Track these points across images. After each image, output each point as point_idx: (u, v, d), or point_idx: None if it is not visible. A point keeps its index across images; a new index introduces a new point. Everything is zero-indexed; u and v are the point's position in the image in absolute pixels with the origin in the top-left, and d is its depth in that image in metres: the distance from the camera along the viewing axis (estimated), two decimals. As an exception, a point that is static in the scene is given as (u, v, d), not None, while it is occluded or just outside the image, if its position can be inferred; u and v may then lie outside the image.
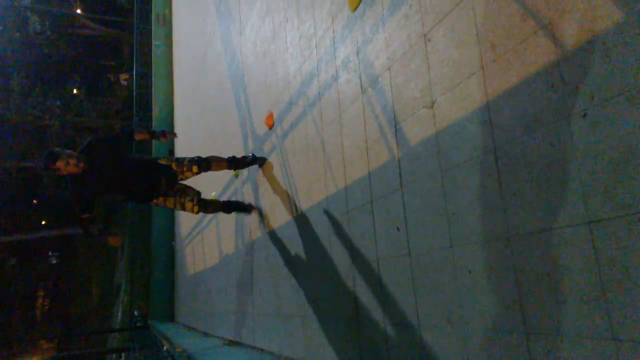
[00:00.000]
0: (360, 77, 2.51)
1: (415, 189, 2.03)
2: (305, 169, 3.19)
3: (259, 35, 4.23)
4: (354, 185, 2.54)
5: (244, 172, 4.66)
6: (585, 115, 1.31)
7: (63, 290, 29.60)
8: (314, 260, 3.01)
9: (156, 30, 12.80)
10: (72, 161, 3.10)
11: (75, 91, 23.68)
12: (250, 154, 4.16)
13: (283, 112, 3.61)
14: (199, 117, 7.93)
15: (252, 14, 4.47)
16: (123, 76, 24.98)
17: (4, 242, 24.39)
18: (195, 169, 3.55)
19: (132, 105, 13.32)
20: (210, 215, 6.40)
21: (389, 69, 2.25)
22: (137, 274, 12.14)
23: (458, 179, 1.78)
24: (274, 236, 3.75)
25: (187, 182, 3.77)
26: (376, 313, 2.29)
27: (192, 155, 3.70)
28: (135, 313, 10.96)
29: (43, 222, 26.33)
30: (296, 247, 3.29)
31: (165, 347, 5.70)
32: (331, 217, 2.79)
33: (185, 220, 9.06)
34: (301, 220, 3.22)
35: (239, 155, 4.10)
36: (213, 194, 5.76)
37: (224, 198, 5.58)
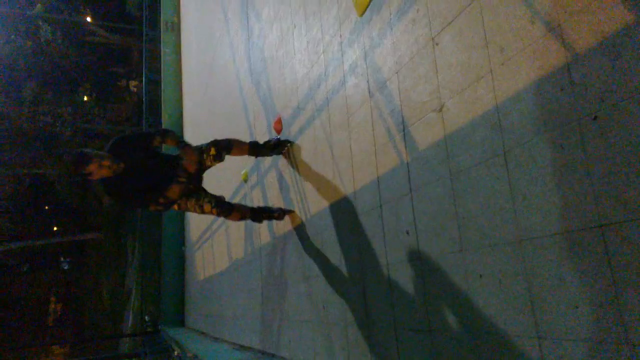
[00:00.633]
0: (368, 82, 2.51)
1: (425, 193, 2.02)
2: (313, 174, 3.19)
3: (267, 40, 4.25)
4: (363, 190, 2.54)
5: (252, 178, 4.67)
6: (595, 117, 1.30)
7: (74, 296, 29.84)
8: (323, 265, 3.01)
9: (165, 37, 12.92)
10: (106, 163, 2.72)
11: (85, 98, 23.96)
12: (275, 137, 3.72)
13: (291, 116, 3.62)
14: (207, 122, 7.98)
15: (260, 20, 4.50)
16: (133, 83, 25.25)
17: (16, 249, 24.66)
18: (213, 150, 3.17)
19: (142, 111, 13.46)
20: (219, 220, 6.43)
21: (396, 73, 2.25)
22: (148, 279, 12.22)
23: (468, 182, 1.78)
24: (282, 241, 3.76)
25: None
26: (386, 318, 2.29)
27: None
28: (146, 318, 11.01)
29: (55, 229, 26.60)
30: (305, 251, 3.29)
31: (175, 352, 5.72)
32: (340, 222, 2.79)
33: (195, 225, 9.10)
34: (310, 224, 3.22)
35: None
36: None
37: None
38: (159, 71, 13.01)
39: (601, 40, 1.30)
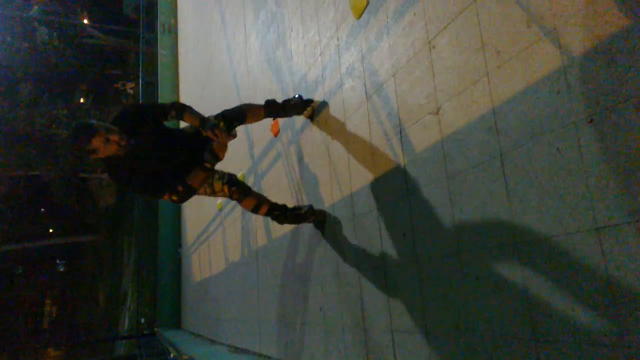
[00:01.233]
0: (365, 84, 2.52)
1: (422, 195, 2.03)
2: (310, 176, 3.20)
3: (264, 43, 4.26)
4: (360, 192, 2.54)
5: (250, 179, 4.66)
6: (591, 121, 1.31)
7: (70, 298, 29.70)
8: (319, 268, 3.00)
9: (162, 39, 12.91)
10: (114, 137, 2.26)
11: (82, 100, 23.91)
12: (296, 95, 3.20)
13: (288, 119, 3.62)
14: (204, 125, 7.96)
15: (257, 23, 4.50)
16: (129, 85, 25.19)
17: (11, 250, 24.54)
18: (222, 124, 2.57)
19: (139, 113, 13.37)
20: (216, 222, 6.42)
21: (393, 76, 2.26)
22: (144, 281, 12.17)
23: (464, 185, 1.78)
24: (279, 243, 3.76)
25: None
26: (383, 320, 2.28)
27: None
28: (142, 320, 10.97)
29: (50, 230, 26.49)
30: (302, 254, 3.29)
31: (172, 355, 5.70)
32: (337, 224, 2.79)
33: (192, 227, 9.08)
34: (307, 226, 3.22)
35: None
36: (219, 201, 5.61)
37: (228, 207, 5.60)
38: (155, 73, 12.99)
39: (597, 44, 1.30)
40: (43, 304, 30.36)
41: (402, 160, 2.17)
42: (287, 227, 3.56)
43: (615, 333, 1.23)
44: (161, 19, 13.09)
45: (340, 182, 2.76)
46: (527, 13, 1.53)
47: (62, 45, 22.54)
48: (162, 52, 12.78)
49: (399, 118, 2.20)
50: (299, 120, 3.38)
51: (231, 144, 2.84)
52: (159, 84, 12.68)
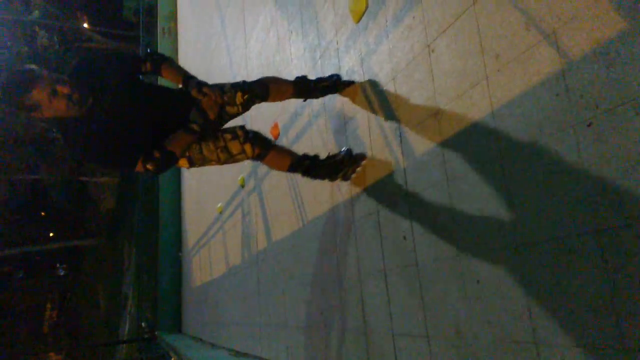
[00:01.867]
0: (364, 88, 2.52)
1: (422, 199, 2.03)
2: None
3: (264, 46, 4.26)
4: (360, 195, 2.54)
5: (250, 183, 4.67)
6: (590, 124, 1.31)
7: (70, 302, 29.68)
8: (320, 271, 3.00)
9: (162, 42, 12.93)
10: (64, 90, 1.77)
11: (82, 103, 23.91)
12: (332, 74, 2.71)
13: (288, 122, 3.63)
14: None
15: (257, 26, 4.51)
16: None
17: (11, 255, 24.54)
18: (240, 97, 2.22)
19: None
20: (216, 225, 6.42)
21: (393, 79, 2.26)
22: (144, 285, 12.15)
23: (464, 188, 1.78)
24: (279, 246, 3.75)
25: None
26: (384, 324, 2.28)
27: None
28: (143, 324, 10.96)
29: (50, 234, 26.49)
30: (302, 257, 3.29)
31: (172, 359, 5.69)
32: (337, 227, 2.79)
33: (192, 230, 9.08)
34: (307, 230, 3.22)
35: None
36: (219, 205, 5.64)
37: (228, 210, 5.60)
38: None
39: (595, 47, 1.31)
40: (43, 308, 30.33)
41: (401, 163, 2.17)
42: (287, 230, 3.56)
43: (615, 337, 1.23)
44: (161, 22, 13.12)
45: (340, 185, 2.76)
46: (526, 16, 1.53)
47: (62, 49, 22.59)
48: (162, 56, 12.76)
49: (399, 121, 2.20)
50: (300, 123, 3.39)
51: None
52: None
